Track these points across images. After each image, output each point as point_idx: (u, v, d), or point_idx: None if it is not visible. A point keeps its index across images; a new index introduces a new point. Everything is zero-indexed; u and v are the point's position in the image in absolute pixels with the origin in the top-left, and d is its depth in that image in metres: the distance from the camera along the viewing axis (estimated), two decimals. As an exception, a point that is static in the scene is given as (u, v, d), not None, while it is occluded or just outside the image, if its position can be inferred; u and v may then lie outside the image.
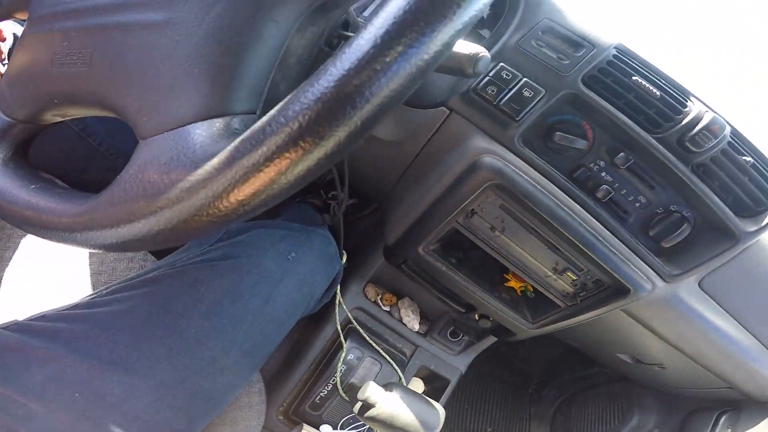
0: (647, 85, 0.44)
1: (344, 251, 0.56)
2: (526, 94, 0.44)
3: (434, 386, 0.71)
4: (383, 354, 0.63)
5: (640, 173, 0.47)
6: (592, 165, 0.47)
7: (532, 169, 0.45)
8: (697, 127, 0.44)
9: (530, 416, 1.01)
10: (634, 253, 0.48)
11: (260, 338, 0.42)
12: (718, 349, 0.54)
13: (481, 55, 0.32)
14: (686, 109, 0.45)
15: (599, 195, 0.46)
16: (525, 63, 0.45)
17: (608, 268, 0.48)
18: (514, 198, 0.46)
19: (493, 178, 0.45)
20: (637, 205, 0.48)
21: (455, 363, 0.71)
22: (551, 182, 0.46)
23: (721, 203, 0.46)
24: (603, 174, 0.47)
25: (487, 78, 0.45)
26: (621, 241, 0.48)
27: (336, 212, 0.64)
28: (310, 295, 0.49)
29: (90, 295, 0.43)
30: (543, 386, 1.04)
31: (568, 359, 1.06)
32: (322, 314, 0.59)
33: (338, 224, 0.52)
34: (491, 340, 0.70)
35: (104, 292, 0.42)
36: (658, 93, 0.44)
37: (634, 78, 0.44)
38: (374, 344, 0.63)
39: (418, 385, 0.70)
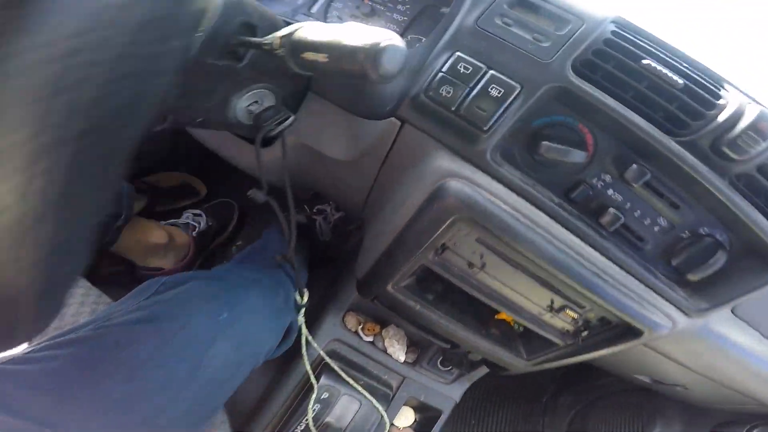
0: (664, 71, 0.32)
1: (305, 290, 0.47)
2: (495, 93, 0.32)
3: (426, 416, 0.63)
4: (362, 391, 0.55)
5: (660, 189, 0.34)
6: (594, 181, 0.35)
7: (512, 193, 0.34)
8: (739, 126, 0.31)
9: (544, 426, 0.91)
10: (651, 289, 0.36)
11: (194, 401, 0.38)
12: (753, 374, 0.44)
13: (383, 45, 0.21)
14: (721, 102, 0.32)
15: (605, 221, 0.34)
16: (489, 50, 0.33)
17: (615, 310, 0.36)
18: (490, 232, 0.35)
19: (461, 209, 0.34)
20: (656, 229, 0.36)
21: (448, 392, 0.62)
22: (539, 209, 0.34)
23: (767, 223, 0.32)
24: (609, 192, 0.35)
25: (441, 75, 0.33)
26: (633, 276, 0.36)
27: (295, 248, 0.55)
28: (255, 353, 0.43)
29: (29, 348, 0.40)
30: (559, 395, 0.94)
31: (585, 366, 0.94)
32: (294, 352, 0.52)
33: (292, 262, 0.43)
34: (485, 370, 0.60)
35: (39, 346, 0.39)
36: (680, 81, 0.32)
37: (645, 62, 0.32)
38: (352, 380, 0.55)
39: (408, 415, 0.62)
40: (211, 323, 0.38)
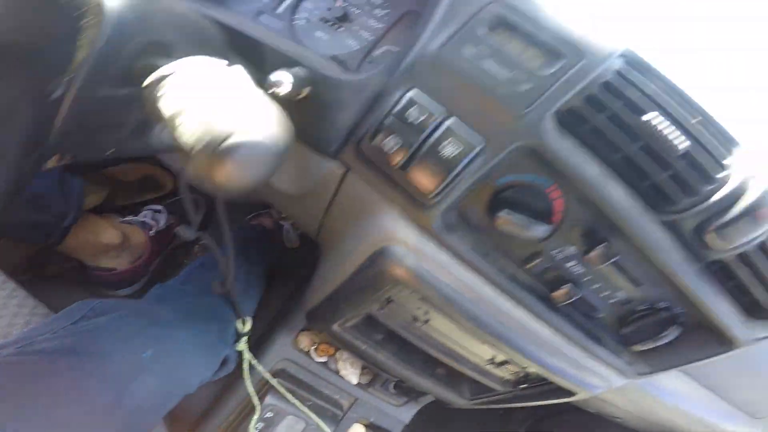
0: (667, 131, 0.25)
1: (249, 317, 0.44)
2: (450, 151, 0.26)
3: (376, 433, 0.62)
4: (307, 412, 0.53)
5: (626, 267, 0.30)
6: (555, 252, 0.30)
7: (460, 264, 0.30)
8: (734, 210, 0.26)
9: (498, 438, 0.92)
10: (593, 356, 0.34)
11: (119, 428, 0.36)
12: (689, 417, 0.43)
13: (222, 148, 0.14)
14: (722, 175, 0.26)
15: (557, 296, 0.31)
16: (452, 89, 0.27)
17: (552, 375, 0.35)
18: (432, 302, 0.31)
19: (401, 279, 0.30)
20: (612, 301, 0.32)
21: (398, 414, 0.61)
22: (487, 282, 0.30)
23: (730, 310, 0.30)
24: (569, 264, 0.31)
25: (388, 121, 0.27)
26: (577, 346, 0.33)
27: (254, 260, 0.52)
28: (186, 384, 0.41)
29: None
30: (513, 408, 0.95)
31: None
32: (240, 371, 0.49)
33: (231, 295, 0.40)
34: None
35: None
36: (683, 145, 0.25)
37: (647, 117, 0.25)
38: (298, 402, 0.53)
39: (359, 431, 0.62)
40: (135, 359, 0.36)
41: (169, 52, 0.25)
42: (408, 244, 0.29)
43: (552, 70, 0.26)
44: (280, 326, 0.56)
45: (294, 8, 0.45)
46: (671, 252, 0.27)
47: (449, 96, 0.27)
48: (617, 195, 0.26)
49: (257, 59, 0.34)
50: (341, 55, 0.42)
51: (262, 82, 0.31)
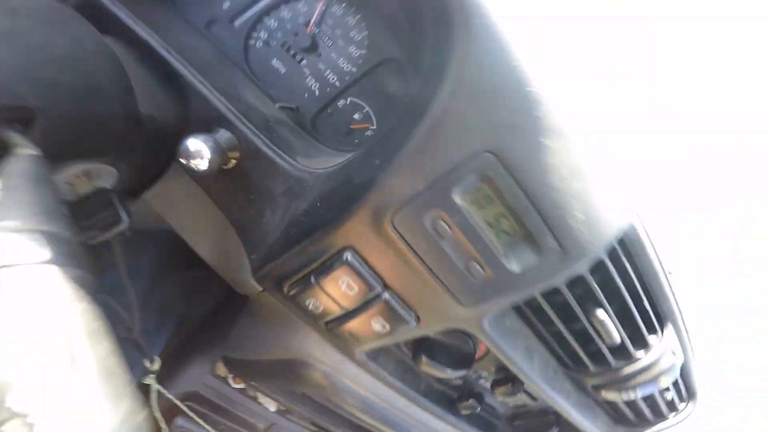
0: (611, 327, 0.25)
1: (156, 357, 0.42)
2: (379, 327, 0.25)
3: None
4: (218, 438, 0.54)
5: (528, 391, 0.34)
6: (471, 374, 0.33)
7: (377, 382, 0.31)
8: (636, 380, 0.28)
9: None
10: None
11: None
12: None
13: None
14: (640, 353, 0.28)
15: (463, 407, 0.34)
16: (397, 261, 0.22)
17: None
18: (348, 404, 0.32)
19: (320, 385, 0.31)
20: (512, 404, 0.37)
21: (313, 438, 0.64)
22: (405, 398, 0.32)
23: (602, 422, 0.36)
24: (481, 381, 0.34)
25: (319, 278, 0.23)
26: None
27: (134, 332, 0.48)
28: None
29: None
30: None
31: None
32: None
33: (137, 343, 0.37)
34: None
35: None
36: (618, 338, 0.26)
37: (599, 313, 0.24)
38: (210, 426, 0.53)
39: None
40: None
41: (30, 117, 0.19)
42: (330, 365, 0.30)
43: (520, 268, 0.21)
44: (197, 352, 0.54)
45: (254, 23, 0.39)
46: (567, 397, 0.31)
47: (390, 268, 0.22)
48: (535, 369, 0.28)
49: (181, 100, 0.28)
50: (294, 100, 0.37)
51: (178, 145, 0.25)
